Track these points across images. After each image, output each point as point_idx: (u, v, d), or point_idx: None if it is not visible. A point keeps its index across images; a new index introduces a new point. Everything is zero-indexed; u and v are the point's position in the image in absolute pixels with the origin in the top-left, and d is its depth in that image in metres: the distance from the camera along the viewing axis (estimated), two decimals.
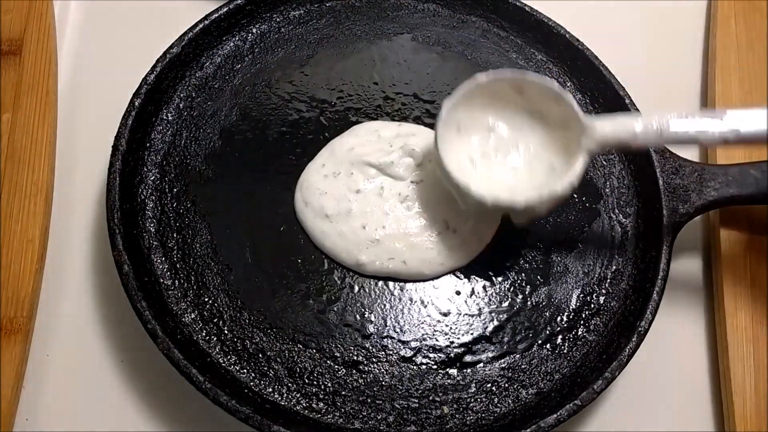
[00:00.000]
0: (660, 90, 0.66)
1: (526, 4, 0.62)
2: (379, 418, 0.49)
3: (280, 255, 0.53)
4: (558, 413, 0.47)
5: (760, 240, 0.58)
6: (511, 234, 0.55)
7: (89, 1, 0.66)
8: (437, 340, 0.51)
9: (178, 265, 0.52)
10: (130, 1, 0.66)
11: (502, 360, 0.51)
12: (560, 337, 0.53)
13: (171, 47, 0.57)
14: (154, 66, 0.56)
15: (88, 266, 0.56)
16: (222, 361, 0.49)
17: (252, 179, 0.55)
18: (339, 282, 0.52)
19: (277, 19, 0.62)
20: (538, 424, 0.47)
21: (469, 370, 0.51)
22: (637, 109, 0.58)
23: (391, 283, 0.53)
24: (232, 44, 0.60)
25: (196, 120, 0.57)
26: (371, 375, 0.50)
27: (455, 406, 0.49)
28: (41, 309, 0.53)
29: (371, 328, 0.51)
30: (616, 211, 0.58)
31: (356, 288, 0.52)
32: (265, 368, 0.49)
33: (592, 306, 0.54)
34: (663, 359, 0.56)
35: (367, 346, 0.51)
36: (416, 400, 0.49)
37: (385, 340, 0.51)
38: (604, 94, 0.60)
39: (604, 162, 0.59)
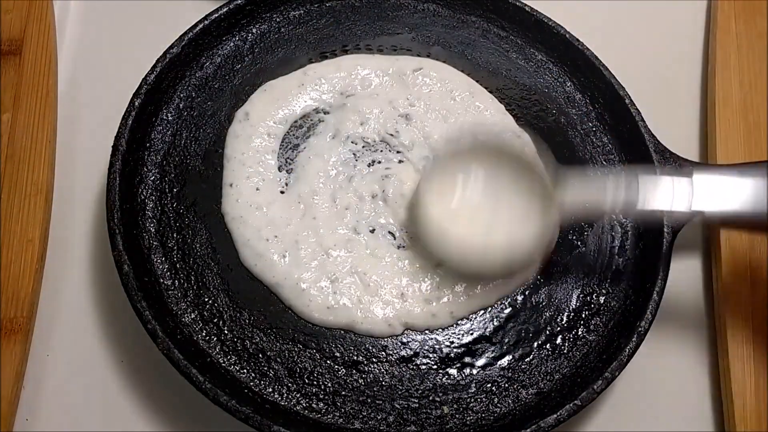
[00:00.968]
0: (660, 90, 0.66)
1: (526, 4, 0.62)
2: (379, 418, 0.49)
3: None
4: (558, 413, 0.47)
5: (760, 240, 0.58)
6: None
7: (89, 1, 0.66)
8: (437, 341, 0.51)
9: (178, 265, 0.52)
10: (130, 1, 0.66)
11: (502, 360, 0.51)
12: (560, 337, 0.53)
13: (171, 47, 0.57)
14: (154, 66, 0.56)
15: (88, 266, 0.56)
16: (222, 361, 0.49)
17: None
18: None
19: (277, 19, 0.62)
20: (538, 424, 0.47)
21: (469, 370, 0.51)
22: (638, 110, 0.58)
23: None
24: (232, 44, 0.60)
25: (196, 120, 0.57)
26: (371, 375, 0.50)
27: (455, 406, 0.49)
28: (41, 309, 0.53)
29: None
30: (617, 211, 0.57)
31: None
32: (265, 368, 0.49)
33: (592, 306, 0.54)
34: (663, 359, 0.56)
35: (367, 346, 0.51)
36: (416, 400, 0.49)
37: (385, 340, 0.51)
38: (604, 94, 0.60)
39: (604, 162, 0.59)
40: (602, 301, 0.54)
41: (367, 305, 0.51)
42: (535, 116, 0.60)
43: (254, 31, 0.61)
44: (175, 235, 0.53)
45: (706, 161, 0.63)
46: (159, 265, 0.52)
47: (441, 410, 0.49)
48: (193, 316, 0.50)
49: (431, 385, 0.50)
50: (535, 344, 0.52)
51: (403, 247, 0.53)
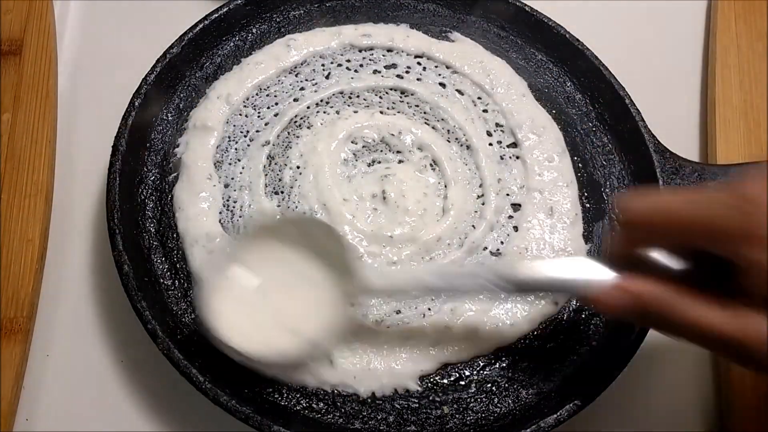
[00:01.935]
0: (660, 90, 0.66)
1: (526, 4, 0.62)
2: (379, 418, 0.49)
3: None
4: (558, 413, 0.47)
5: None
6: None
7: (89, 1, 0.66)
8: None
9: (178, 265, 0.52)
10: (130, 1, 0.66)
11: (502, 360, 0.51)
12: (560, 337, 0.53)
13: (171, 47, 0.57)
14: (154, 66, 0.56)
15: (88, 266, 0.56)
16: (222, 361, 0.49)
17: None
18: None
19: (277, 19, 0.62)
20: (538, 424, 0.47)
21: (469, 371, 0.51)
22: (638, 110, 0.58)
23: None
24: (232, 44, 0.60)
25: None
26: None
27: (455, 406, 0.49)
28: (41, 309, 0.53)
29: None
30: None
31: None
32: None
33: (592, 306, 0.54)
34: (663, 359, 0.56)
35: None
36: (416, 400, 0.49)
37: None
38: (604, 94, 0.60)
39: (604, 162, 0.59)
40: None
41: None
42: None
43: (254, 31, 0.61)
44: (174, 235, 0.53)
45: (706, 161, 0.63)
46: (159, 265, 0.52)
47: (441, 410, 0.49)
48: (193, 316, 0.50)
49: (431, 385, 0.50)
50: (536, 344, 0.52)
51: None
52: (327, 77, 0.59)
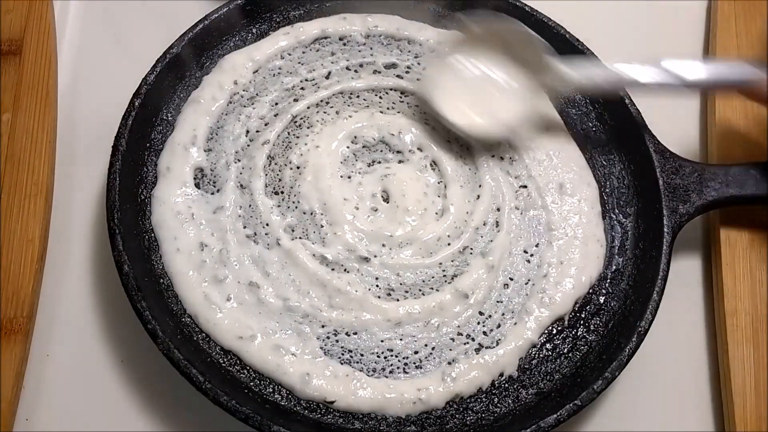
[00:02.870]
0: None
1: (526, 4, 0.62)
2: (378, 418, 0.49)
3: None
4: (558, 413, 0.47)
5: (761, 240, 0.58)
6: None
7: (89, 1, 0.66)
8: None
9: None
10: (130, 1, 0.66)
11: None
12: (560, 336, 0.53)
13: (171, 47, 0.57)
14: (154, 66, 0.56)
15: (88, 266, 0.56)
16: (222, 361, 0.49)
17: None
18: None
19: (277, 19, 0.62)
20: (538, 424, 0.47)
21: None
22: (638, 110, 0.58)
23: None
24: (232, 44, 0.60)
25: None
26: None
27: (455, 406, 0.49)
28: (41, 309, 0.53)
29: None
30: (616, 211, 0.58)
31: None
32: None
33: (592, 306, 0.54)
34: (663, 359, 0.56)
35: None
36: None
37: None
38: (604, 94, 0.60)
39: (604, 162, 0.59)
40: (602, 301, 0.54)
41: None
42: None
43: (254, 31, 0.61)
44: None
45: (706, 161, 0.63)
46: (159, 264, 0.52)
47: (441, 410, 0.49)
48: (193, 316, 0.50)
49: None
50: (536, 344, 0.52)
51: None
52: (327, 77, 0.59)
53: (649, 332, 0.51)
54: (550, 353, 0.52)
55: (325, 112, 0.58)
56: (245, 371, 0.49)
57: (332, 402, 0.48)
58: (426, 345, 0.51)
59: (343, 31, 0.61)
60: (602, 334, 0.53)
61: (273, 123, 0.57)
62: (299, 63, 0.60)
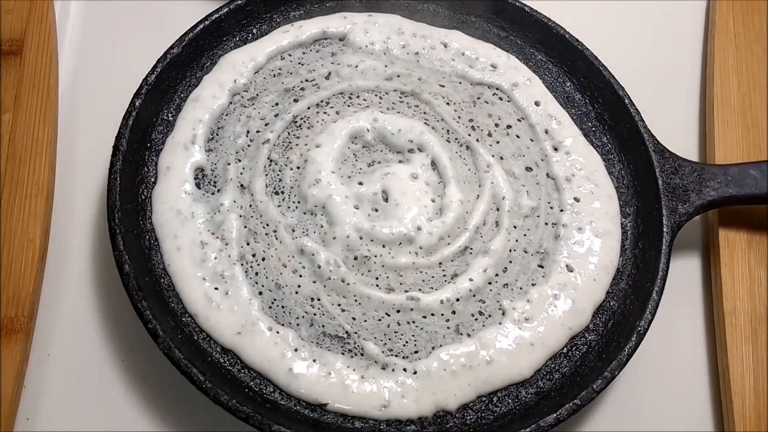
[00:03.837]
0: (660, 90, 0.66)
1: (525, 4, 0.62)
2: (379, 417, 0.49)
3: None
4: (558, 413, 0.47)
5: (760, 240, 0.58)
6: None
7: (89, 1, 0.66)
8: None
9: None
10: (130, 1, 0.66)
11: None
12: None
13: (171, 47, 0.57)
14: (155, 66, 0.56)
15: (89, 266, 0.56)
16: (222, 361, 0.49)
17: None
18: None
19: (277, 19, 0.62)
20: (538, 424, 0.47)
21: None
22: (637, 110, 0.58)
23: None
24: (232, 44, 0.60)
25: None
26: None
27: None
28: (42, 309, 0.53)
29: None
30: None
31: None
32: None
33: None
34: (663, 359, 0.56)
35: None
36: None
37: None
38: (604, 94, 0.60)
39: (603, 162, 0.59)
40: (601, 301, 0.54)
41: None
42: None
43: (254, 31, 0.61)
44: None
45: (705, 161, 0.63)
46: (159, 264, 0.52)
47: (441, 410, 0.49)
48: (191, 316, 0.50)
49: None
50: None
51: None
52: (327, 77, 0.60)
53: (649, 332, 0.51)
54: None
55: (325, 113, 0.58)
56: (245, 371, 0.49)
57: (325, 404, 0.48)
58: (426, 344, 0.51)
59: (344, 30, 0.61)
60: (602, 333, 0.53)
61: (273, 123, 0.57)
62: (299, 63, 0.60)
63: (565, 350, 0.52)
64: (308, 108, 0.58)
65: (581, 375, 0.50)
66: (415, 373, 0.49)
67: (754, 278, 0.57)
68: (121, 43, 0.64)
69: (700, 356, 0.57)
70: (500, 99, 0.60)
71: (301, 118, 0.58)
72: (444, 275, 0.53)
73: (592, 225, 0.55)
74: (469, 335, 0.51)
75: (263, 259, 0.52)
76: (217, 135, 0.56)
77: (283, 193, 0.55)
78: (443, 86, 0.60)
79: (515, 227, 0.55)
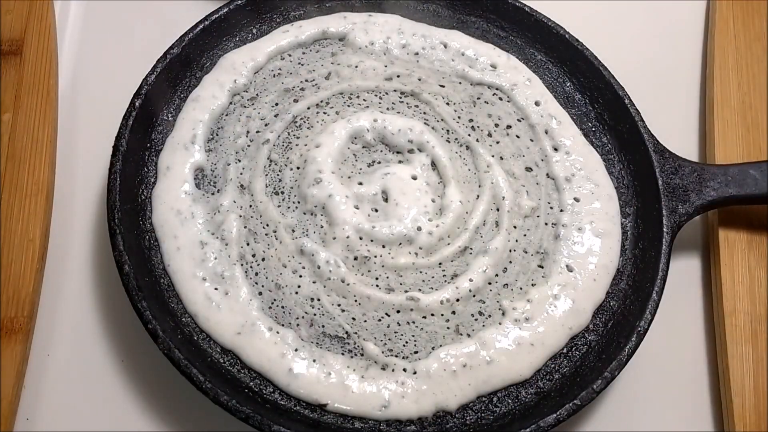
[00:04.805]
0: (660, 90, 0.66)
1: (525, 4, 0.63)
2: (379, 417, 0.49)
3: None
4: (558, 413, 0.47)
5: (760, 240, 0.58)
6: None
7: (89, 1, 0.66)
8: None
9: None
10: (130, 1, 0.66)
11: None
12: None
13: (171, 47, 0.57)
14: (155, 66, 0.56)
15: (89, 266, 0.56)
16: (222, 361, 0.49)
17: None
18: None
19: (278, 20, 0.62)
20: (538, 424, 0.47)
21: None
22: (637, 110, 0.58)
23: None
24: (232, 44, 0.60)
25: None
26: None
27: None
28: (42, 309, 0.53)
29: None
30: None
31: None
32: None
33: None
34: (663, 359, 0.56)
35: None
36: None
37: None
38: (604, 94, 0.60)
39: (603, 162, 0.59)
40: (601, 301, 0.54)
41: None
42: None
43: (254, 31, 0.61)
44: None
45: (705, 161, 0.63)
46: (159, 264, 0.52)
47: (441, 410, 0.49)
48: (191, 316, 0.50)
49: None
50: None
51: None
52: (327, 77, 0.60)
53: (649, 332, 0.51)
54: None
55: (325, 113, 0.58)
56: (245, 371, 0.49)
57: (325, 405, 0.48)
58: (426, 344, 0.51)
59: (344, 30, 0.61)
60: (601, 333, 0.53)
61: (273, 123, 0.57)
62: (299, 63, 0.60)
63: (565, 350, 0.52)
64: (308, 108, 0.58)
65: (581, 375, 0.50)
66: (414, 373, 0.49)
67: (754, 278, 0.57)
68: (121, 43, 0.64)
69: (700, 356, 0.57)
70: (500, 99, 0.60)
71: (301, 119, 0.58)
72: (444, 275, 0.53)
73: (592, 225, 0.55)
74: (469, 335, 0.51)
75: (263, 260, 0.52)
76: (217, 135, 0.56)
77: (283, 193, 0.55)
78: (443, 86, 0.60)
79: (515, 227, 0.55)
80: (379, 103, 0.59)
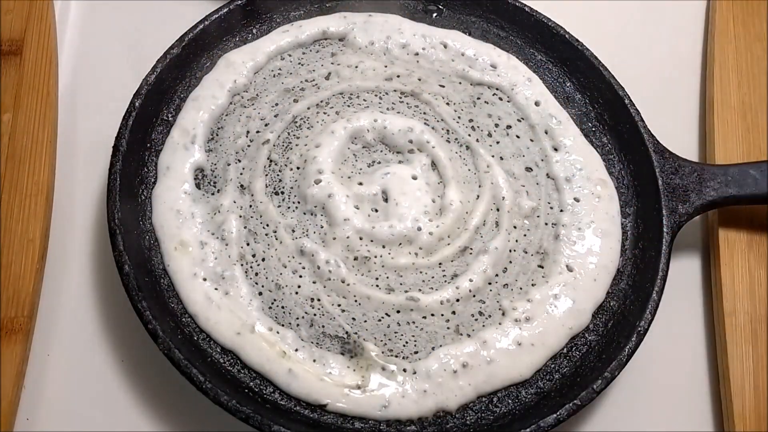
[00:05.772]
0: (660, 90, 0.66)
1: (525, 5, 0.62)
2: (379, 417, 0.49)
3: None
4: (558, 413, 0.47)
5: (760, 240, 0.58)
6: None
7: (89, 1, 0.66)
8: None
9: None
10: (130, 1, 0.66)
11: None
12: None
13: (171, 47, 0.57)
14: (155, 66, 0.56)
15: (89, 266, 0.56)
16: (222, 361, 0.49)
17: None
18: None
19: (278, 20, 0.62)
20: (538, 424, 0.47)
21: None
22: (637, 110, 0.58)
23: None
24: (232, 44, 0.60)
25: None
26: None
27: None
28: (42, 309, 0.54)
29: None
30: None
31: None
32: None
33: None
34: (663, 359, 0.56)
35: None
36: None
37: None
38: (604, 94, 0.60)
39: (603, 162, 0.59)
40: (601, 301, 0.54)
41: None
42: None
43: (254, 31, 0.61)
44: None
45: (705, 161, 0.63)
46: (159, 264, 0.52)
47: (441, 410, 0.49)
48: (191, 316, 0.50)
49: None
50: None
51: None
52: (327, 77, 0.60)
53: (649, 332, 0.51)
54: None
55: (325, 113, 0.58)
56: (245, 371, 0.49)
57: (325, 405, 0.48)
58: (426, 344, 0.51)
59: (344, 30, 0.61)
60: (601, 333, 0.53)
61: (273, 123, 0.57)
62: (299, 63, 0.60)
63: (565, 350, 0.52)
64: (308, 108, 0.58)
65: (581, 375, 0.51)
66: (414, 373, 0.49)
67: (754, 278, 0.57)
68: (120, 43, 0.64)
69: (700, 356, 0.57)
70: (500, 99, 0.60)
71: (301, 119, 0.58)
72: (444, 275, 0.53)
73: (592, 225, 0.55)
74: (469, 335, 0.51)
75: (263, 260, 0.52)
76: (217, 135, 0.56)
77: (283, 193, 0.55)
78: (443, 86, 0.60)
79: (515, 227, 0.55)
80: (379, 103, 0.59)
